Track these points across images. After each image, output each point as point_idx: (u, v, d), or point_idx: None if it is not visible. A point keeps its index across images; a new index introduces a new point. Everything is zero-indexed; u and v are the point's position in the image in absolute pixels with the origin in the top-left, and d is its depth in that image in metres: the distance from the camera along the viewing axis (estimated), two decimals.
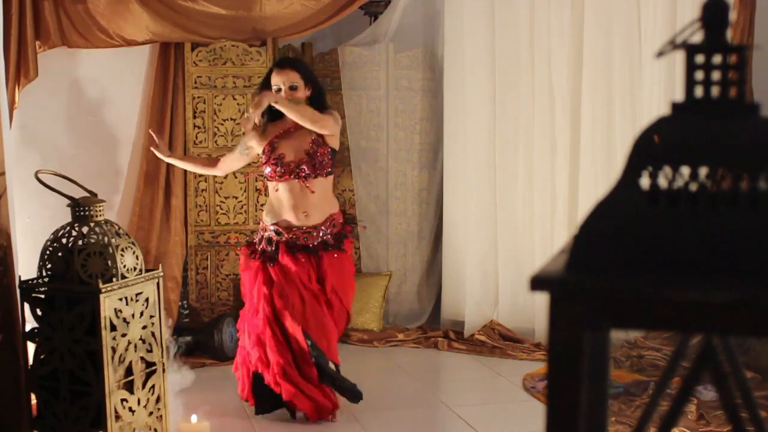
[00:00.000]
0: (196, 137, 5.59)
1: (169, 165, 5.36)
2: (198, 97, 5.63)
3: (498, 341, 5.49)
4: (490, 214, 5.71)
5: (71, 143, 5.21)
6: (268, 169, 4.30)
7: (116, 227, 3.22)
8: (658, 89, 5.19)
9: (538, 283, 0.93)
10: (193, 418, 2.00)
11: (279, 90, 4.25)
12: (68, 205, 3.23)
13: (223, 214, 5.67)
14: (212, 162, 4.63)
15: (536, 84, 5.50)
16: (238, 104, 5.63)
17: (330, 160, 4.33)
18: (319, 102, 4.33)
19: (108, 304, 3.05)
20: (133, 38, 5.24)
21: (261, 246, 4.33)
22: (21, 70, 4.76)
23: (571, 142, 5.43)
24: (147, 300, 3.25)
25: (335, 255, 4.31)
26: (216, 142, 5.59)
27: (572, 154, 5.44)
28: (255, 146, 4.39)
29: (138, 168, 5.41)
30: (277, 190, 4.31)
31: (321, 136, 4.28)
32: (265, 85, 4.33)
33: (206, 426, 1.86)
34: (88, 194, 3.29)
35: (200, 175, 5.54)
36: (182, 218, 5.51)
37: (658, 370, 4.81)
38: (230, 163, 4.55)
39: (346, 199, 5.97)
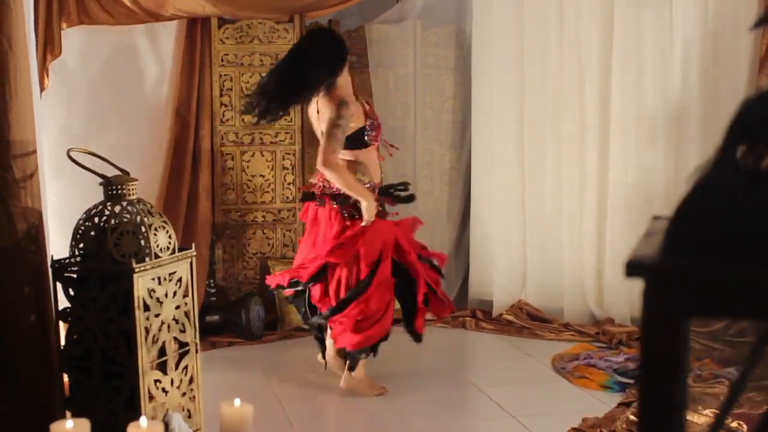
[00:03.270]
0: (223, 115, 5.52)
1: (196, 143, 5.39)
2: (225, 75, 5.56)
3: (526, 321, 5.45)
4: (518, 193, 5.65)
5: (97, 122, 5.12)
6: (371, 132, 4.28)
7: (149, 206, 3.17)
8: (690, 67, 5.10)
9: (634, 268, 0.88)
10: (236, 402, 1.94)
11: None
12: (100, 184, 3.17)
13: (251, 192, 5.60)
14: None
15: (565, 61, 5.41)
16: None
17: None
18: None
19: (141, 283, 2.99)
20: (159, 12, 5.12)
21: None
22: (47, 48, 4.71)
23: (601, 120, 5.35)
24: (180, 279, 3.21)
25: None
26: (243, 120, 5.49)
27: (602, 132, 5.36)
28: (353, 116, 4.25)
29: (165, 146, 5.33)
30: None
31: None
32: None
33: (250, 409, 1.83)
34: (120, 173, 3.24)
35: (227, 154, 5.54)
36: (209, 197, 5.46)
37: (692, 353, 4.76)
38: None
39: None
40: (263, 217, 5.62)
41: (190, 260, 3.26)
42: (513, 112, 5.61)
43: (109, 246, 3.03)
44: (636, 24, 5.21)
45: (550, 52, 5.45)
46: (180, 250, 3.25)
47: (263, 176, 5.62)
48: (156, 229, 3.10)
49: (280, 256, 5.66)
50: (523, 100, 5.57)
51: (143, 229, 3.06)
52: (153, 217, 3.14)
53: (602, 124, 5.35)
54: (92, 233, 3.10)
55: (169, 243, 3.17)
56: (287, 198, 5.65)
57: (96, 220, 3.12)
